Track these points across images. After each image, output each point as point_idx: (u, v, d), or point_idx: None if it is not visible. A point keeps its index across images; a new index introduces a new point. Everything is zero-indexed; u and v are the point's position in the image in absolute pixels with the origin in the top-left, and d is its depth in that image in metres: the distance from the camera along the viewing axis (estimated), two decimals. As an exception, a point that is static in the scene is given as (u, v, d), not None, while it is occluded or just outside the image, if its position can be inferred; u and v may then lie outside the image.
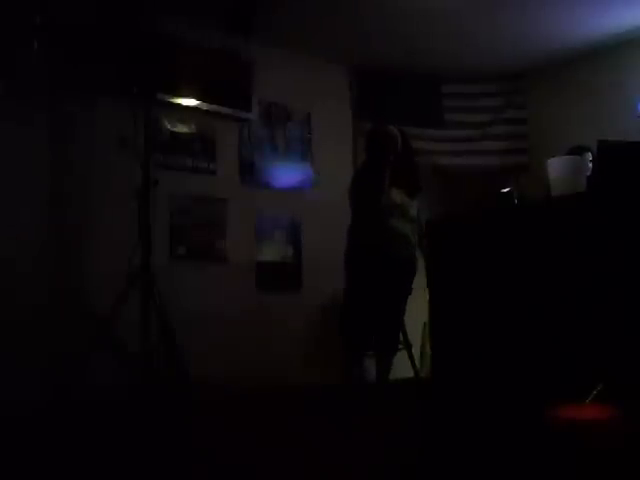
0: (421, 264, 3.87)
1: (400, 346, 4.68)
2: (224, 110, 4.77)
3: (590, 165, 3.50)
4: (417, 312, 4.87)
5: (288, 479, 2.20)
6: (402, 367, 4.70)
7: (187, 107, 4.58)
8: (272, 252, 4.98)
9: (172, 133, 4.54)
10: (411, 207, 3.95)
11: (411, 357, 4.82)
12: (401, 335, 4.73)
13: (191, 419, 3.28)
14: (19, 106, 3.80)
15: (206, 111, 4.68)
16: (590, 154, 3.94)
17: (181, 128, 4.60)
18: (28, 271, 3.75)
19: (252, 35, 4.65)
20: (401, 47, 5.20)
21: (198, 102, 4.62)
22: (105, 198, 4.10)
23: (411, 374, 4.76)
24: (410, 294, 4.00)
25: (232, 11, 4.42)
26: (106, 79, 4.11)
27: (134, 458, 2.49)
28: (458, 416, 2.41)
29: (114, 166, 4.10)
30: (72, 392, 3.38)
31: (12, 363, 3.54)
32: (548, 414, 1.79)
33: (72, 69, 3.99)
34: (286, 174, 5.06)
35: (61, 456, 2.53)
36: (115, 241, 3.97)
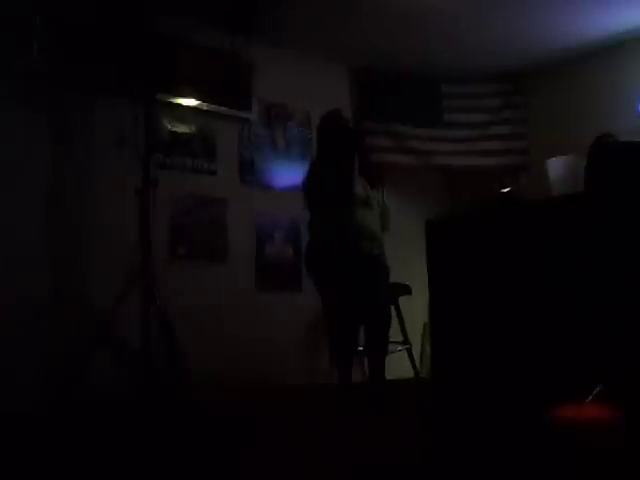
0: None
1: (400, 347, 4.70)
2: (224, 110, 4.77)
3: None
4: (417, 312, 4.90)
5: (288, 479, 2.20)
6: (402, 367, 4.71)
7: (187, 107, 4.59)
8: (272, 252, 4.98)
9: (172, 133, 4.54)
10: (374, 198, 3.76)
11: (411, 357, 4.84)
12: (402, 336, 4.76)
13: (191, 419, 3.28)
14: (19, 106, 3.80)
15: (206, 111, 4.68)
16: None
17: (181, 128, 4.60)
18: (28, 271, 3.75)
19: (252, 35, 4.66)
20: (401, 47, 5.20)
21: (198, 102, 4.62)
22: (105, 198, 4.11)
23: (411, 374, 4.77)
24: (388, 295, 3.85)
25: (232, 11, 4.42)
26: (106, 79, 4.11)
27: (134, 458, 2.49)
28: (458, 416, 2.41)
29: (114, 166, 4.10)
30: (72, 392, 3.38)
31: (13, 363, 3.55)
32: (548, 414, 1.79)
33: (72, 69, 3.99)
34: (286, 174, 5.06)
35: (62, 456, 2.53)
36: (115, 241, 3.97)
